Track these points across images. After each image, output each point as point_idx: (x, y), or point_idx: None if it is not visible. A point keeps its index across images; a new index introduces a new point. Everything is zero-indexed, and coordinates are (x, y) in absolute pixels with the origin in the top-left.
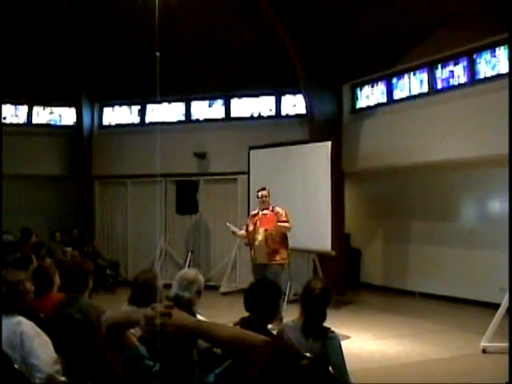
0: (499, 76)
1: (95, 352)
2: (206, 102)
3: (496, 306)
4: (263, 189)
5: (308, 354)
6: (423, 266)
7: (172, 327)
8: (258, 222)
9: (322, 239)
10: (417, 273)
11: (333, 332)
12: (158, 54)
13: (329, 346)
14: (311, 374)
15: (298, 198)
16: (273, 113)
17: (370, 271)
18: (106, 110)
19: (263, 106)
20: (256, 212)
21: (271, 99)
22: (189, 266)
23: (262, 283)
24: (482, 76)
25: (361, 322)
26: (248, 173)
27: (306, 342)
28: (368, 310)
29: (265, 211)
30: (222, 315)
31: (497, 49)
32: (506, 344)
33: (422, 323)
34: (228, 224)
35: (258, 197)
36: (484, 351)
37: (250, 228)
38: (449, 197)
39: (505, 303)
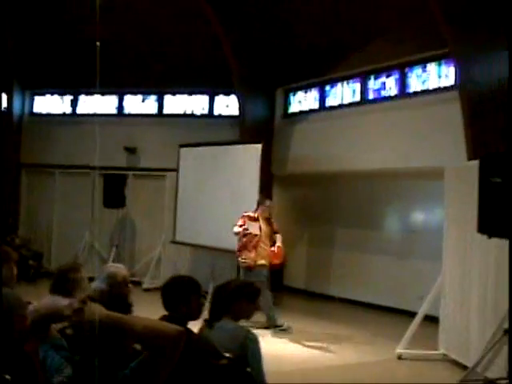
0: (429, 91)
1: (13, 343)
2: (140, 97)
3: (414, 315)
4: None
5: (227, 354)
6: (346, 272)
7: (85, 321)
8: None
9: None
10: (339, 278)
11: (253, 334)
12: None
13: (248, 347)
14: (230, 373)
15: (226, 198)
16: (205, 112)
17: (293, 274)
18: (38, 99)
19: (196, 104)
20: (255, 216)
21: (205, 98)
22: (113, 261)
23: (175, 279)
24: (412, 90)
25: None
26: (177, 170)
27: (225, 341)
28: (289, 312)
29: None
30: (143, 311)
31: (428, 64)
32: (421, 351)
33: (342, 328)
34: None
35: (265, 205)
36: (399, 357)
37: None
38: (375, 206)
39: (421, 311)
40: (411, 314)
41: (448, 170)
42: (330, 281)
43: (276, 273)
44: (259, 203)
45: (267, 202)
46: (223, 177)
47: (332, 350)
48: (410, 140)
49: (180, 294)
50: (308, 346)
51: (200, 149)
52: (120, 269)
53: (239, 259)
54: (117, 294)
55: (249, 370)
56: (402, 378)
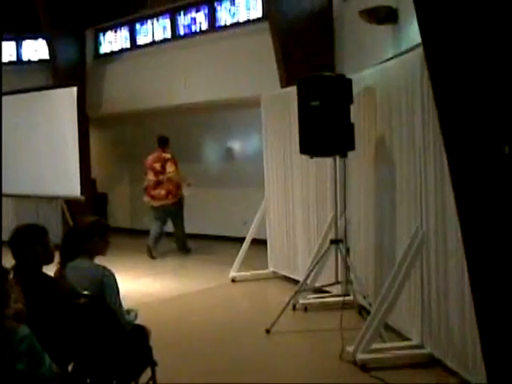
0: (238, 24)
1: None
2: None
3: (241, 240)
4: None
5: (86, 292)
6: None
7: None
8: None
9: (70, 185)
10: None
11: (109, 270)
12: None
13: (104, 282)
14: (90, 311)
15: (43, 145)
16: (13, 58)
17: (117, 214)
18: None
19: (3, 50)
20: None
21: (11, 44)
22: None
23: (18, 230)
24: (222, 23)
25: (114, 263)
26: None
27: (83, 280)
28: (119, 252)
29: None
30: None
31: None
32: (252, 272)
33: (174, 260)
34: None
35: None
36: (233, 280)
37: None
38: (194, 139)
39: (249, 235)
40: (238, 240)
41: (264, 97)
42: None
43: (100, 215)
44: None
45: None
46: (39, 123)
47: (170, 281)
48: (225, 72)
49: (25, 244)
50: (144, 281)
51: (12, 97)
52: None
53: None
54: None
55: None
56: (238, 297)
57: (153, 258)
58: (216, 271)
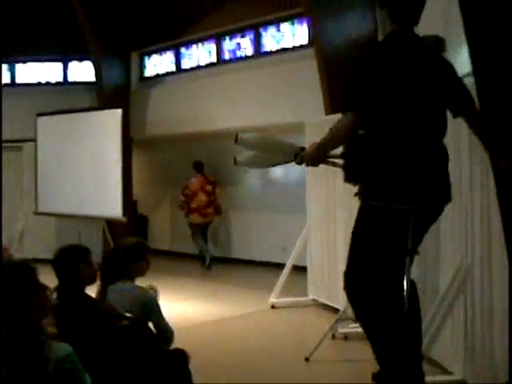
0: (283, 50)
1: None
2: None
3: (280, 266)
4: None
5: (128, 315)
6: (210, 229)
7: None
8: None
9: (112, 206)
10: (212, 239)
11: (150, 291)
12: None
13: (147, 304)
14: (132, 333)
15: (87, 165)
16: (60, 79)
17: (157, 237)
18: None
19: (50, 71)
20: None
21: (58, 65)
22: None
23: (62, 250)
24: (267, 49)
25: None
26: (35, 140)
27: (125, 302)
28: (158, 274)
29: None
30: None
31: (281, 24)
32: (292, 299)
33: (214, 284)
34: None
35: None
36: (273, 307)
37: None
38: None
39: (290, 262)
40: (278, 266)
41: (308, 124)
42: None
43: (140, 236)
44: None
45: None
46: (84, 144)
47: (209, 305)
48: (269, 98)
49: (69, 264)
50: (183, 305)
51: (58, 117)
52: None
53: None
54: None
55: (151, 327)
56: (278, 325)
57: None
58: (255, 297)
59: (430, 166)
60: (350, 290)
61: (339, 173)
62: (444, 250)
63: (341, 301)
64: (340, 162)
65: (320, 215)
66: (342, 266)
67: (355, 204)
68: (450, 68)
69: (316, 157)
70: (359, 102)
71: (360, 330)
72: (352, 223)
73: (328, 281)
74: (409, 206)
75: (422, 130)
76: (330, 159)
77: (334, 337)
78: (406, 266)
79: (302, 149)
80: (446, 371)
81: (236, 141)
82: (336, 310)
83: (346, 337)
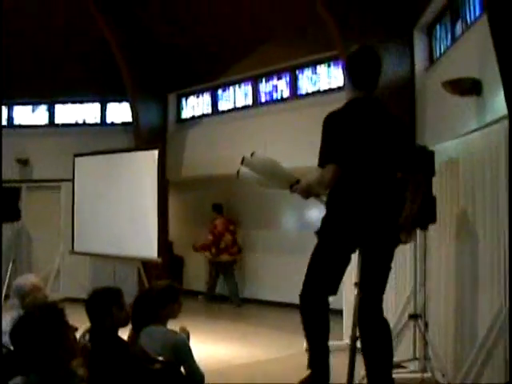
0: (320, 92)
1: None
2: (30, 107)
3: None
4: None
5: (160, 358)
6: (246, 272)
7: None
8: None
9: (147, 246)
10: (239, 279)
11: (182, 335)
12: None
13: (179, 348)
14: (164, 377)
15: (123, 206)
16: (98, 120)
17: (192, 278)
18: None
19: (88, 113)
20: None
21: (96, 106)
22: (9, 276)
23: (95, 293)
24: (303, 91)
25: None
26: (73, 180)
27: (156, 346)
28: (192, 315)
29: None
30: None
31: (318, 66)
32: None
33: (247, 327)
34: None
35: None
36: (307, 350)
37: None
38: (271, 205)
39: None
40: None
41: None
42: (256, 284)
43: (175, 277)
44: None
45: None
46: (120, 184)
47: (242, 348)
48: (304, 139)
49: (102, 306)
50: (216, 347)
51: (95, 157)
52: (27, 278)
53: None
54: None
55: (182, 371)
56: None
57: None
58: (289, 340)
59: (374, 215)
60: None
61: None
62: (482, 293)
63: None
64: (324, 199)
65: (355, 258)
66: None
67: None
68: (401, 129)
69: (306, 193)
70: (338, 156)
71: (397, 376)
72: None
73: None
74: (350, 246)
75: (370, 184)
76: (317, 197)
77: None
78: (355, 296)
79: (298, 181)
80: None
81: (242, 162)
82: None
83: None
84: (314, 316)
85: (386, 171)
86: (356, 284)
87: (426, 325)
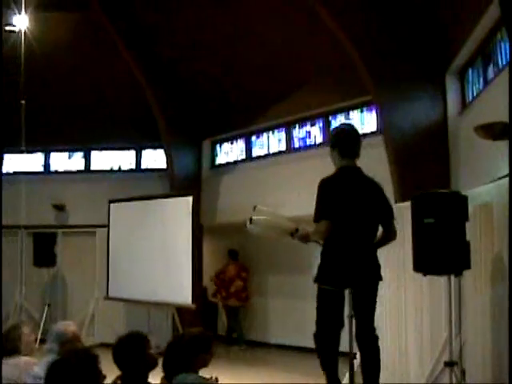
0: None
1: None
2: (66, 154)
3: (347, 354)
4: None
5: None
6: (281, 318)
7: None
8: None
9: (181, 292)
10: (275, 324)
11: (210, 380)
12: (23, 102)
13: None
14: None
15: (157, 252)
16: (133, 166)
17: (226, 323)
18: None
19: (123, 159)
20: None
21: (131, 153)
22: (45, 321)
23: (123, 339)
24: None
25: (220, 374)
26: (108, 226)
27: None
28: (226, 361)
29: None
30: None
31: (351, 112)
32: None
33: (281, 374)
34: None
35: None
36: None
37: None
38: (303, 251)
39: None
40: (345, 354)
41: None
42: (266, 328)
43: (210, 324)
44: None
45: None
46: (154, 230)
47: None
48: None
49: (132, 353)
50: None
51: (130, 203)
52: (68, 325)
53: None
54: None
55: None
56: None
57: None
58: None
59: (358, 262)
60: (316, 344)
61: (409, 265)
62: None
63: None
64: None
65: (389, 304)
66: (412, 358)
67: (426, 296)
68: (381, 193)
69: (305, 240)
70: (331, 214)
71: None
72: (421, 315)
73: (399, 372)
74: (341, 288)
75: (356, 237)
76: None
77: None
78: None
79: (297, 230)
80: None
81: (250, 221)
82: None
83: None
84: (330, 349)
85: (368, 226)
86: (352, 316)
87: (463, 373)
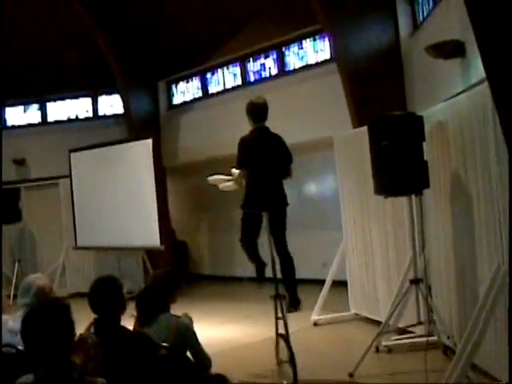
0: (308, 67)
1: None
2: (21, 107)
3: (320, 282)
4: None
5: (165, 344)
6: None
7: None
8: None
9: (149, 235)
10: (243, 259)
11: (184, 319)
12: None
13: (183, 333)
14: (170, 362)
15: (122, 197)
16: (90, 114)
17: (197, 262)
18: None
19: (80, 108)
20: None
21: (87, 100)
22: (17, 277)
23: (98, 284)
24: (291, 67)
25: (195, 311)
26: (70, 176)
27: (161, 332)
28: (200, 298)
29: None
30: None
31: (303, 41)
32: (333, 315)
33: (254, 306)
34: None
35: None
36: (315, 324)
37: None
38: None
39: (329, 277)
40: (318, 282)
41: (336, 138)
42: (235, 262)
43: (180, 263)
44: None
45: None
46: (117, 176)
47: (249, 327)
48: (296, 116)
49: (108, 295)
50: (226, 328)
51: (90, 151)
52: (38, 278)
53: None
54: None
55: (188, 355)
56: (322, 341)
57: None
58: (297, 315)
59: (269, 192)
60: (242, 247)
61: (371, 188)
62: (480, 253)
63: (382, 314)
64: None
65: (355, 229)
66: (380, 280)
67: (389, 217)
68: (283, 144)
69: (238, 182)
70: (247, 164)
71: (403, 341)
72: (386, 235)
73: (368, 294)
74: (257, 211)
75: (267, 176)
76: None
77: (377, 350)
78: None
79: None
80: (492, 377)
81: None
82: (378, 323)
83: (389, 350)
84: (251, 249)
85: (275, 168)
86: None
87: (429, 289)
